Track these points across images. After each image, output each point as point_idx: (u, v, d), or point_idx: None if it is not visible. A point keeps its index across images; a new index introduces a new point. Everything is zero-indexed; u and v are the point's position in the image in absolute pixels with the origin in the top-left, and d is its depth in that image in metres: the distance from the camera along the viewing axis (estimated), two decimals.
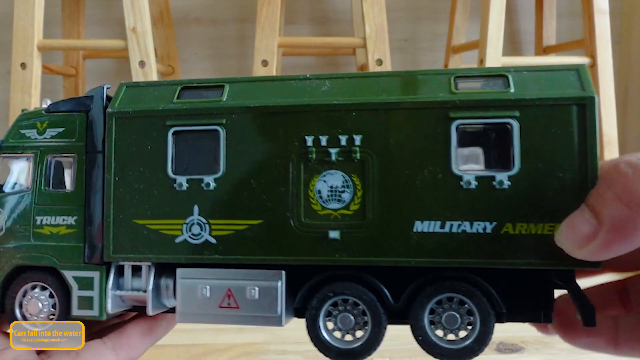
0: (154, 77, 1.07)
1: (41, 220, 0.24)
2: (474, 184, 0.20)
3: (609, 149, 1.18)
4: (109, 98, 0.27)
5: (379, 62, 1.13)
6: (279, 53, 1.40)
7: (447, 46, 1.46)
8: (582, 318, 0.22)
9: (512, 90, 0.21)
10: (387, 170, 0.21)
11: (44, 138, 0.24)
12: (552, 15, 1.48)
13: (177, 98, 0.23)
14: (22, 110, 0.27)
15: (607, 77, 1.18)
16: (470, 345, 0.22)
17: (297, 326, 0.51)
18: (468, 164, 0.20)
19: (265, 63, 1.12)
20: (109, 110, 0.24)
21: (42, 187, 0.24)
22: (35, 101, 1.08)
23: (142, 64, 1.06)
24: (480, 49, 1.16)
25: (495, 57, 1.13)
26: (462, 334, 0.22)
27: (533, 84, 0.21)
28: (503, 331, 0.47)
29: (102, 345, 0.29)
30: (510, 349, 0.46)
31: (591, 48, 1.20)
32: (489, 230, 0.20)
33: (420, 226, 0.20)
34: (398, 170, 0.21)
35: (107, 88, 0.27)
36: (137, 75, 1.06)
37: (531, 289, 0.22)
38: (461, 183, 0.20)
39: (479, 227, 0.20)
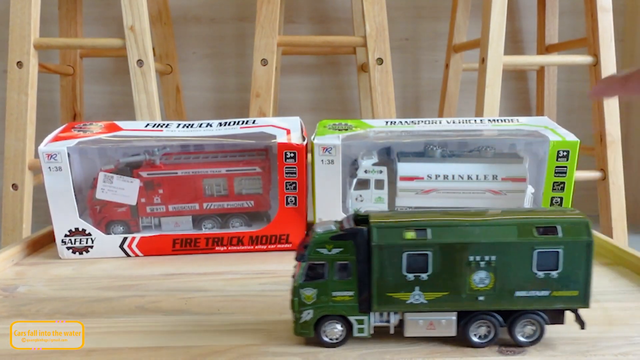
0: (152, 76, 1.06)
1: (335, 294, 0.46)
2: (542, 276, 0.44)
3: (612, 148, 1.17)
4: (360, 221, 0.47)
5: (379, 61, 1.12)
6: (279, 52, 1.40)
7: (448, 45, 1.45)
8: (579, 323, 0.47)
9: (560, 235, 0.44)
10: (506, 270, 0.44)
11: (332, 253, 0.45)
12: (554, 13, 1.48)
13: (405, 237, 0.44)
14: (314, 236, 0.46)
15: None
16: (536, 339, 0.46)
17: None
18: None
19: (264, 62, 1.11)
20: (373, 243, 0.44)
21: (334, 278, 0.45)
22: (32, 100, 1.08)
23: (140, 62, 1.05)
24: (482, 48, 1.15)
25: (496, 56, 1.12)
26: (532, 334, 0.46)
27: (568, 230, 0.44)
28: (504, 332, 0.46)
29: None
30: (512, 351, 0.45)
31: (594, 47, 1.19)
32: (547, 294, 0.45)
33: (518, 293, 0.45)
34: (511, 271, 0.44)
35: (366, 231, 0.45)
36: (136, 75, 1.05)
37: (560, 313, 0.46)
38: (536, 275, 0.44)
39: (543, 293, 0.45)
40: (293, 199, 0.73)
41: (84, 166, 0.75)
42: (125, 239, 0.73)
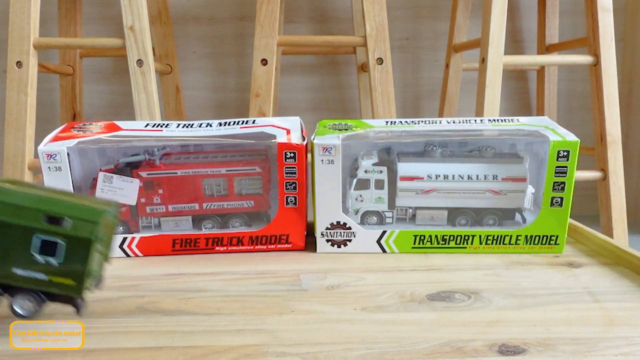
0: (152, 76, 1.06)
1: None
2: (42, 261, 0.46)
3: (613, 148, 1.17)
4: None
5: (380, 60, 1.12)
6: (279, 52, 1.40)
7: (448, 45, 1.45)
8: (75, 308, 0.49)
9: (66, 227, 0.46)
10: (6, 247, 0.46)
11: None
12: (555, 13, 1.47)
13: None
14: None
15: (611, 76, 1.17)
16: (34, 313, 0.49)
17: (297, 328, 0.50)
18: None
19: (264, 62, 1.11)
20: None
21: None
22: (32, 100, 1.07)
23: (140, 62, 1.05)
24: (482, 47, 1.15)
25: (497, 56, 1.12)
26: (32, 310, 0.49)
27: (76, 225, 0.46)
28: (505, 333, 0.47)
29: None
30: (512, 351, 0.45)
31: (594, 46, 1.19)
32: (45, 278, 0.47)
33: (15, 270, 0.46)
34: (11, 248, 0.46)
35: None
36: (135, 74, 1.05)
37: (59, 296, 0.48)
38: (35, 259, 0.46)
39: (42, 276, 0.47)
40: (293, 199, 0.73)
41: (84, 166, 0.75)
42: (124, 239, 0.73)
